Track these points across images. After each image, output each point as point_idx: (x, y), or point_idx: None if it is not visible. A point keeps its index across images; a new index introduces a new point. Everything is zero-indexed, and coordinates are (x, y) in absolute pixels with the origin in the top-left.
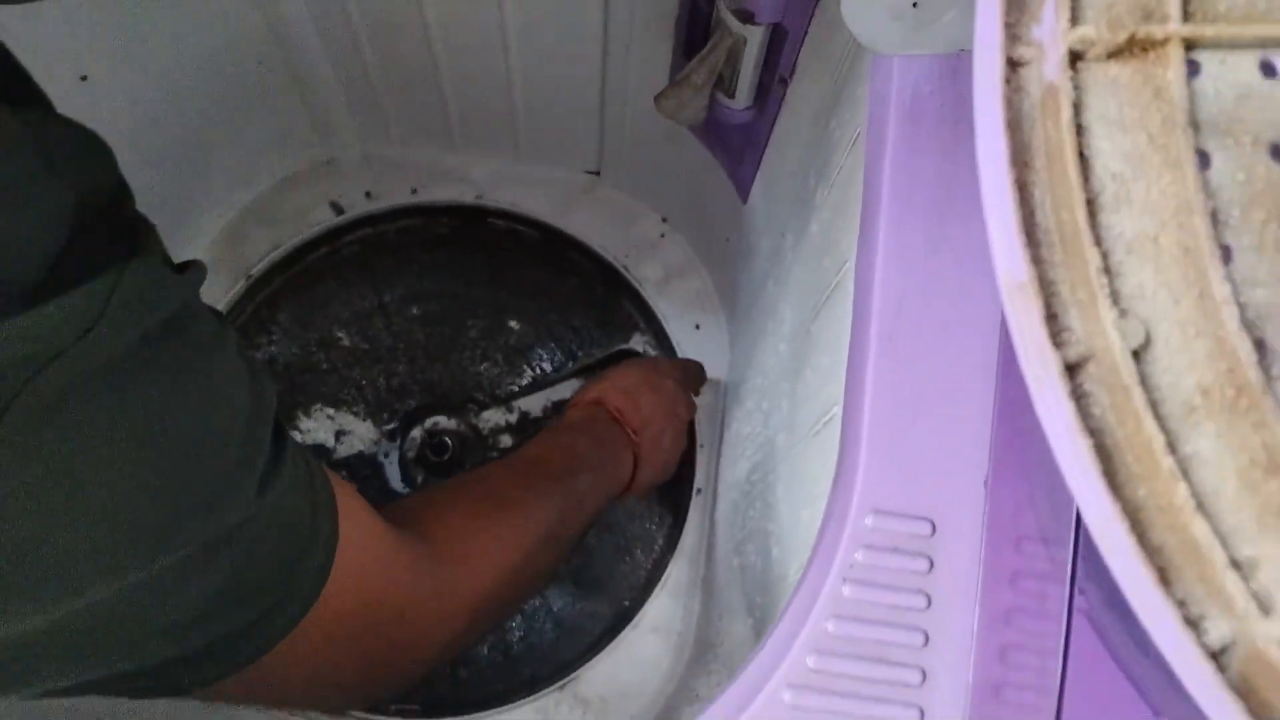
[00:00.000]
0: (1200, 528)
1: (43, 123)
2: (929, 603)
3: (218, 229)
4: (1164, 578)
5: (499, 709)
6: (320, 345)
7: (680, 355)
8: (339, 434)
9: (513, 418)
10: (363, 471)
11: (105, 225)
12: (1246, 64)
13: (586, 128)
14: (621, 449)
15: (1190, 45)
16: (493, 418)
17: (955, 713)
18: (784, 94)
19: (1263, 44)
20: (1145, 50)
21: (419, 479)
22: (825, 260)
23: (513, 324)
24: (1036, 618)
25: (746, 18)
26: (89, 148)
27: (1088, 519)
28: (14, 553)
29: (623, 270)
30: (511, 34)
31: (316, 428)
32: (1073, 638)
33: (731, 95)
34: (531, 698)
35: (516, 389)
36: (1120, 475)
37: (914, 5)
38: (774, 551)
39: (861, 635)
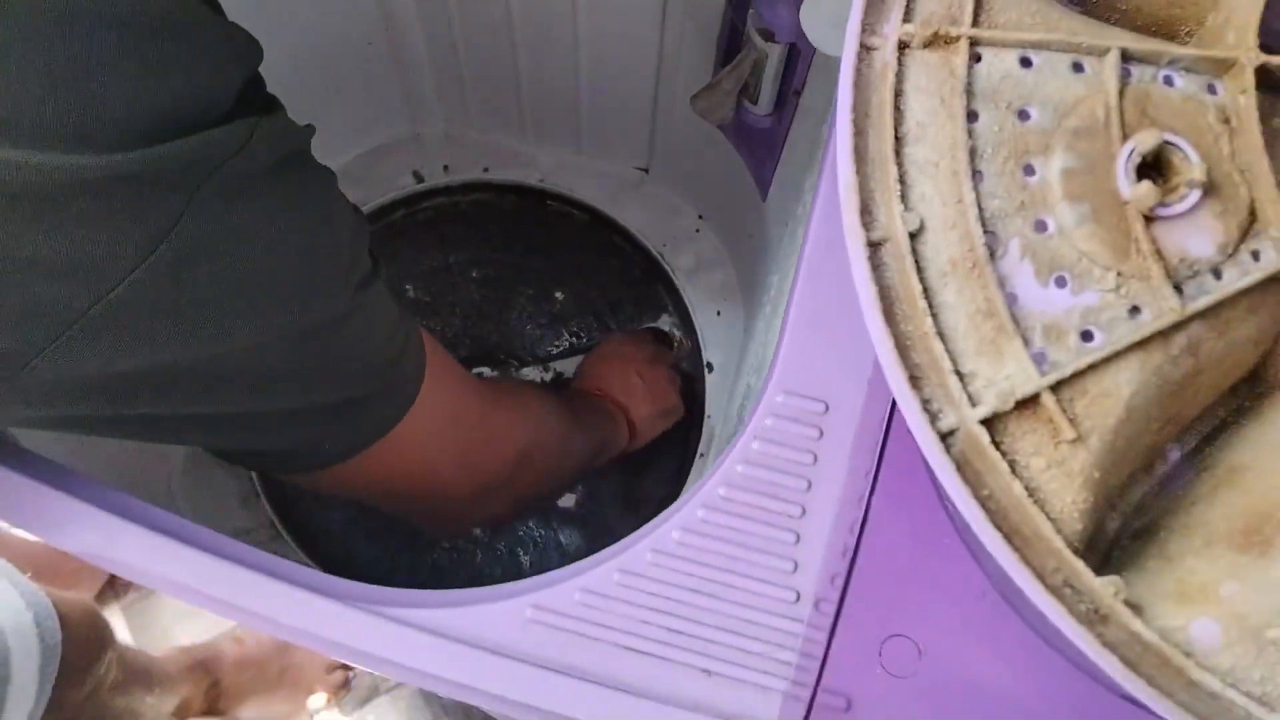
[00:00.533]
0: (938, 348)
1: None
2: (815, 459)
3: None
4: (915, 383)
5: None
6: (391, 294)
7: (701, 337)
8: None
9: (548, 376)
10: None
11: (257, 87)
12: (1011, 57)
13: (640, 128)
14: (620, 422)
15: (975, 42)
16: (530, 374)
17: (822, 538)
18: (797, 104)
19: (1023, 45)
20: (946, 44)
21: None
22: (800, 230)
23: (558, 295)
24: (874, 460)
25: (768, 36)
26: (251, 38)
27: (874, 343)
28: (210, 288)
29: (659, 258)
30: (582, 39)
31: None
32: (905, 468)
33: (755, 102)
34: None
35: (554, 351)
36: (896, 315)
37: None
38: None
39: (762, 477)
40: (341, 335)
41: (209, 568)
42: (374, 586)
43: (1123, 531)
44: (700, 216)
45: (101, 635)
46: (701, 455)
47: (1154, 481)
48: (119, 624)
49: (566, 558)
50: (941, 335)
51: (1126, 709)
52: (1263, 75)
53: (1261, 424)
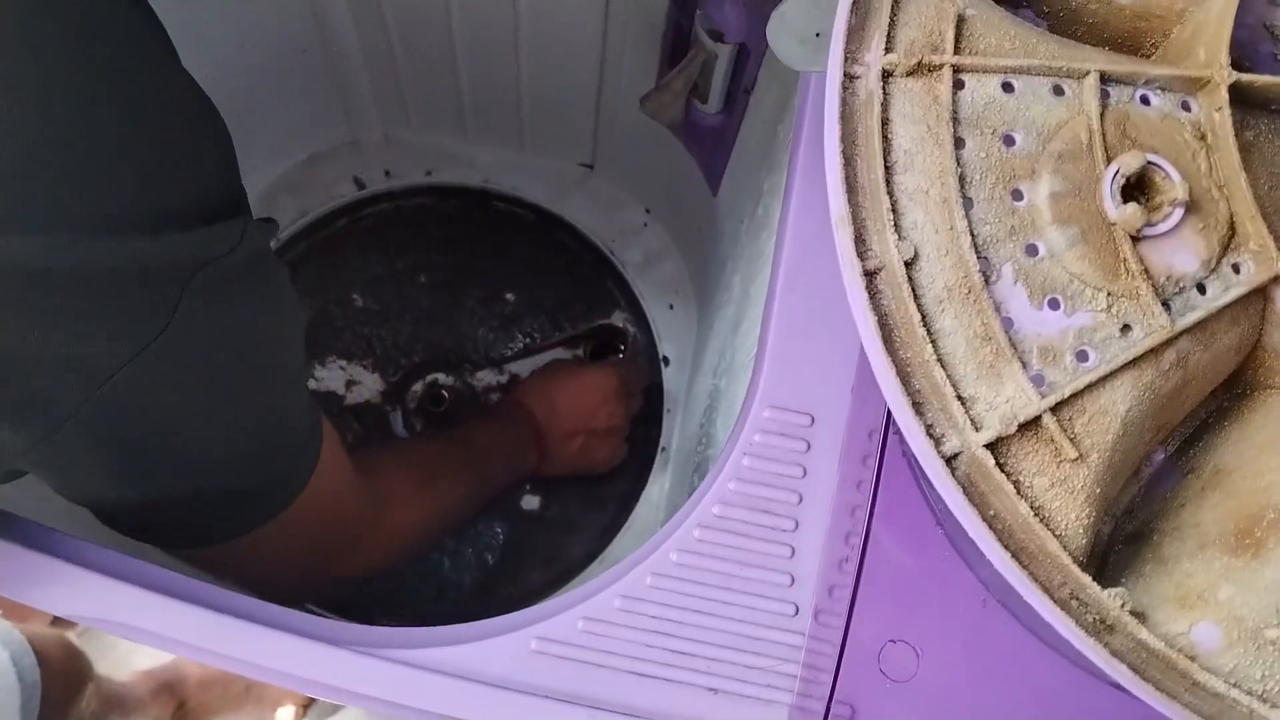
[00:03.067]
0: (939, 374)
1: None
2: (805, 472)
3: (253, 196)
4: (918, 409)
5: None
6: (337, 304)
7: (655, 331)
8: (349, 383)
9: (503, 379)
10: (369, 418)
11: (238, 185)
12: (993, 83)
13: (583, 124)
14: (528, 444)
15: (958, 69)
16: (486, 378)
17: (817, 549)
18: (748, 102)
19: (1005, 71)
20: (929, 71)
21: (418, 427)
22: (763, 235)
23: (508, 296)
24: (872, 480)
25: (717, 37)
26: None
27: (875, 370)
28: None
29: (608, 253)
30: (523, 36)
31: (330, 377)
32: (896, 483)
33: (705, 101)
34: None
35: (508, 353)
36: (895, 342)
37: (816, 35)
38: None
39: (754, 493)
40: (280, 420)
41: (212, 624)
42: (374, 628)
43: (1115, 534)
44: (648, 210)
45: (81, 669)
46: (663, 449)
47: (1141, 483)
48: None
49: (535, 557)
50: (941, 361)
51: (1121, 699)
52: (1234, 91)
53: (1243, 425)
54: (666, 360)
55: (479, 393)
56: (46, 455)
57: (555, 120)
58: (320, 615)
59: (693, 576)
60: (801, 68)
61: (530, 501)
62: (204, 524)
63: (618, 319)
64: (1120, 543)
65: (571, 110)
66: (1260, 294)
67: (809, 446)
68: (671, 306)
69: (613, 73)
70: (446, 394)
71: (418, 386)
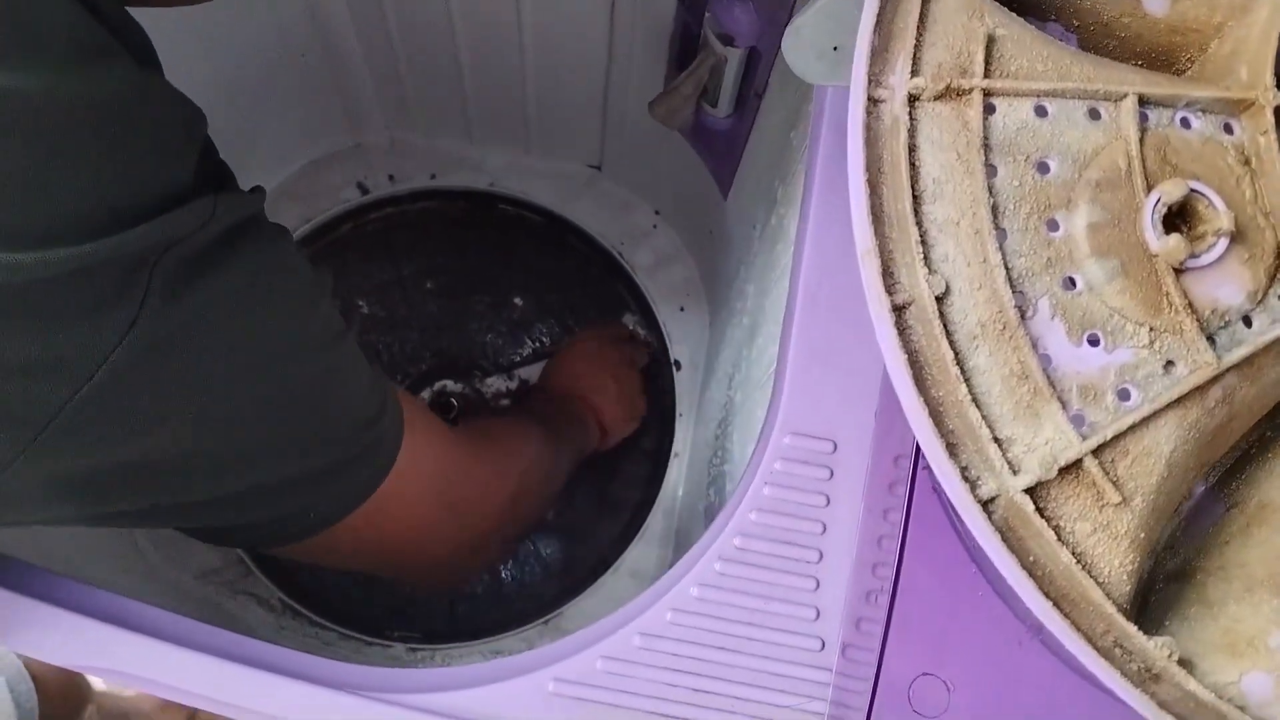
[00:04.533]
0: (974, 415)
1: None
2: (828, 501)
3: None
4: (951, 450)
5: (489, 638)
6: (343, 311)
7: (666, 334)
8: None
9: (513, 385)
10: None
11: (210, 157)
12: (1026, 107)
13: (590, 126)
14: (586, 418)
15: (988, 93)
16: (495, 384)
17: (842, 581)
18: (759, 106)
19: (1037, 94)
20: (958, 95)
21: None
22: (779, 246)
23: (517, 300)
24: (902, 511)
25: (728, 41)
26: (195, 106)
27: (905, 410)
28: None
29: (618, 256)
30: (528, 38)
31: None
32: (925, 513)
33: (715, 105)
34: (519, 630)
35: (518, 359)
36: (926, 380)
37: (834, 49)
38: (728, 487)
39: (776, 524)
40: (318, 398)
41: (211, 671)
42: (388, 670)
43: (1157, 572)
44: (657, 212)
45: (79, 691)
46: (676, 455)
47: (1181, 517)
48: None
49: (548, 568)
50: (976, 401)
51: None
52: None
53: None
54: (678, 364)
55: (488, 399)
56: (40, 459)
57: (562, 122)
58: (333, 656)
59: (714, 612)
60: (820, 81)
61: None
62: (275, 520)
63: (628, 322)
64: (1162, 581)
65: (578, 112)
66: None
67: (832, 474)
68: (682, 309)
69: (620, 74)
70: (455, 401)
71: (426, 394)
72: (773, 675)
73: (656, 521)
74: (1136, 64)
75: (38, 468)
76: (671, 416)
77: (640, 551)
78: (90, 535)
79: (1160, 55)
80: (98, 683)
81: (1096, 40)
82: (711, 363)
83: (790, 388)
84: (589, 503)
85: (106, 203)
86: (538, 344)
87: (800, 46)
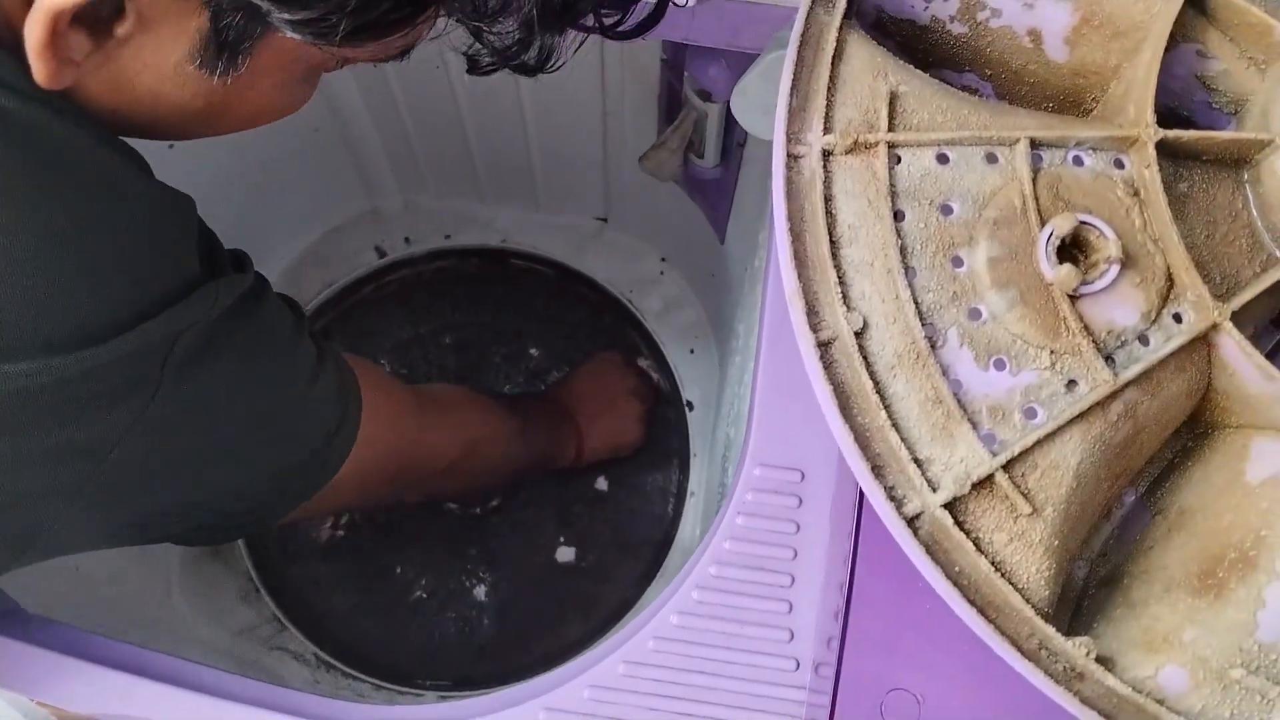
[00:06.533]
0: (895, 439)
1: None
2: (798, 528)
3: (280, 270)
4: (877, 472)
5: (518, 682)
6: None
7: (677, 376)
8: None
9: None
10: None
11: (205, 240)
12: (928, 156)
13: (594, 181)
14: (564, 423)
15: (893, 145)
16: None
17: (813, 603)
18: (742, 155)
19: (938, 144)
20: (866, 149)
21: None
22: (759, 287)
23: (532, 350)
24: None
25: (706, 97)
26: (180, 193)
27: (835, 436)
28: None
29: (627, 303)
30: (529, 110)
31: None
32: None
33: (702, 156)
34: (547, 672)
35: None
36: (852, 409)
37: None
38: (708, 530)
39: (749, 551)
40: (299, 424)
41: (205, 712)
42: (379, 707)
43: (1090, 578)
44: (663, 259)
45: None
46: (693, 494)
47: (1114, 525)
48: None
49: (572, 610)
50: (896, 425)
51: None
52: (1164, 146)
53: (1204, 465)
54: (690, 405)
55: None
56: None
57: (567, 179)
58: (336, 694)
59: (693, 638)
60: (766, 136)
61: (565, 553)
62: (251, 516)
63: (641, 365)
64: (1095, 586)
65: (581, 169)
66: (1203, 341)
67: (800, 502)
68: (692, 351)
69: (615, 132)
70: None
71: None
72: (751, 696)
73: (675, 561)
74: (1047, 107)
75: (67, 533)
76: (687, 457)
77: (661, 589)
78: (127, 600)
79: (1068, 98)
80: None
81: (1010, 87)
82: (720, 403)
83: (759, 421)
84: (610, 544)
85: (125, 306)
86: None
87: (747, 105)
